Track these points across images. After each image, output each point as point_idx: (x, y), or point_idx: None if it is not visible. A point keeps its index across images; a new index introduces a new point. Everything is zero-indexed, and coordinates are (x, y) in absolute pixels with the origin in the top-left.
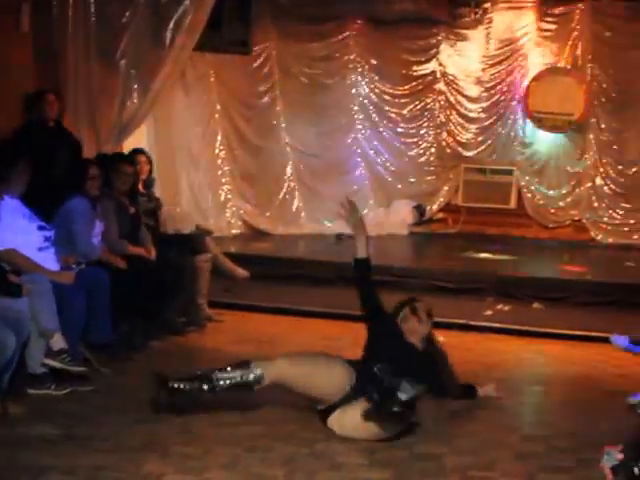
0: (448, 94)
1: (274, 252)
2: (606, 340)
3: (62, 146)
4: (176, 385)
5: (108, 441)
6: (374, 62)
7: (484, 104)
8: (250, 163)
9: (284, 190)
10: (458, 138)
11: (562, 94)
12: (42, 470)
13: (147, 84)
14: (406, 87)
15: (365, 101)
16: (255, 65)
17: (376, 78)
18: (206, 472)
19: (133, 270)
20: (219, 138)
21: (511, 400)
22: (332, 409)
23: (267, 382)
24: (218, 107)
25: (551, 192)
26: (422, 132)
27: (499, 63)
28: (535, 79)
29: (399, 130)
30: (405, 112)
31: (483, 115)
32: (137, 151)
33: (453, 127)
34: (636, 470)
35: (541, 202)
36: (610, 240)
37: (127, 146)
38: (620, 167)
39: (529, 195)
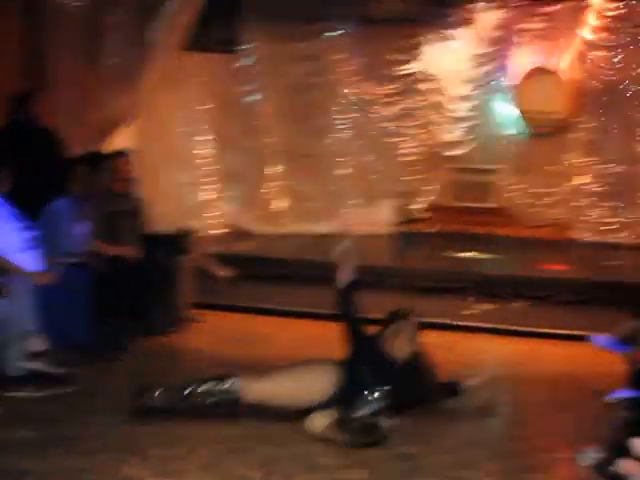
0: (433, 94)
1: (258, 252)
2: (588, 339)
3: (47, 146)
4: (154, 403)
5: (89, 443)
6: (360, 62)
7: (469, 104)
8: (235, 162)
9: (269, 189)
10: (442, 138)
11: (548, 93)
12: (22, 474)
13: (133, 83)
14: (391, 86)
15: (349, 101)
16: (241, 64)
17: (361, 78)
18: (185, 474)
19: (115, 271)
20: (204, 137)
21: (491, 399)
22: (311, 410)
23: (247, 402)
24: (203, 106)
25: (533, 191)
26: (407, 132)
27: (484, 63)
28: (522, 78)
29: (383, 129)
30: (390, 112)
31: (468, 115)
32: (119, 151)
33: (437, 127)
34: (614, 468)
35: (523, 201)
36: (592, 239)
37: (113, 146)
38: (602, 166)
39: (512, 194)
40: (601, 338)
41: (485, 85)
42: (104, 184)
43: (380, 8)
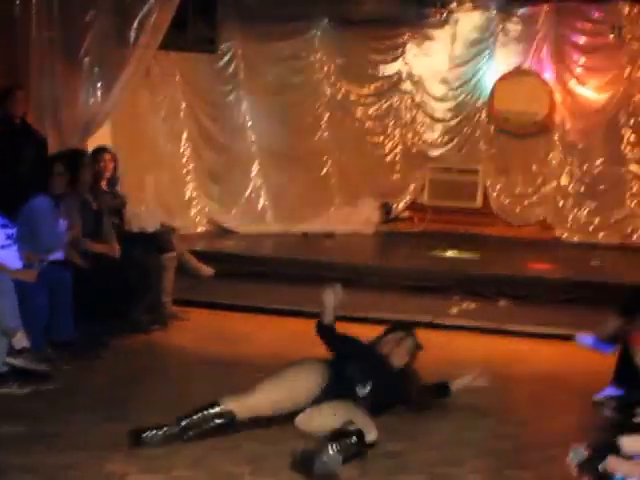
0: (414, 94)
1: (240, 250)
2: (572, 338)
3: (28, 143)
4: (151, 442)
5: (73, 440)
6: (340, 61)
7: (450, 104)
8: (216, 161)
9: (250, 188)
10: (424, 137)
11: (527, 94)
12: (4, 469)
13: (111, 82)
14: (372, 87)
15: (331, 100)
16: (221, 64)
17: (342, 77)
18: (171, 471)
19: (98, 268)
20: (184, 136)
21: (477, 397)
22: (301, 410)
23: (241, 419)
24: (183, 105)
25: (516, 191)
26: (388, 131)
27: (465, 63)
28: (501, 79)
29: (365, 129)
30: (371, 111)
31: (449, 115)
32: (102, 149)
33: (419, 126)
34: (602, 467)
35: (506, 201)
36: (575, 238)
37: (91, 144)
38: (585, 166)
39: (495, 194)
40: (585, 337)
41: (466, 85)
42: (85, 181)
43: (361, 9)
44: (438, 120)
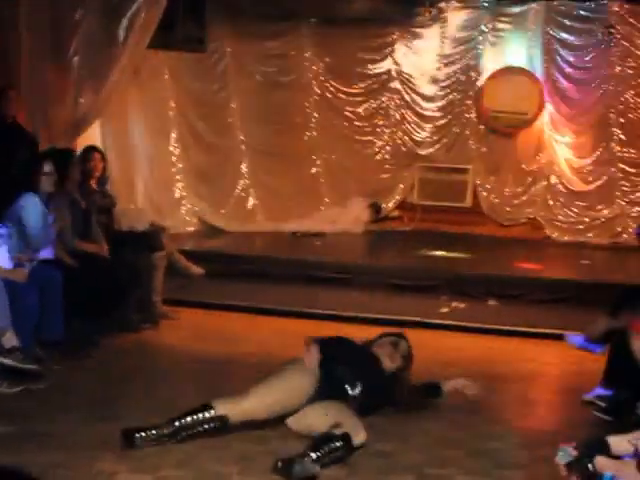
0: (403, 93)
1: (229, 249)
2: (561, 337)
3: (20, 144)
4: (143, 443)
5: (62, 439)
6: (329, 60)
7: (439, 103)
8: (205, 161)
9: (239, 188)
10: (413, 136)
11: (517, 93)
12: None
13: (100, 82)
14: (361, 85)
15: (320, 99)
16: (210, 63)
17: (331, 76)
18: (160, 470)
19: (87, 267)
20: (174, 136)
21: (466, 397)
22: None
23: (233, 423)
24: (172, 105)
25: (506, 190)
26: (377, 130)
27: (454, 62)
28: (490, 78)
29: (354, 128)
30: (360, 110)
31: (438, 114)
32: (91, 148)
33: (408, 125)
34: (590, 466)
35: (496, 200)
36: (565, 238)
37: (81, 143)
38: (575, 165)
39: (484, 193)
40: (575, 337)
41: (455, 84)
42: (74, 180)
43: (350, 7)
44: (427, 119)
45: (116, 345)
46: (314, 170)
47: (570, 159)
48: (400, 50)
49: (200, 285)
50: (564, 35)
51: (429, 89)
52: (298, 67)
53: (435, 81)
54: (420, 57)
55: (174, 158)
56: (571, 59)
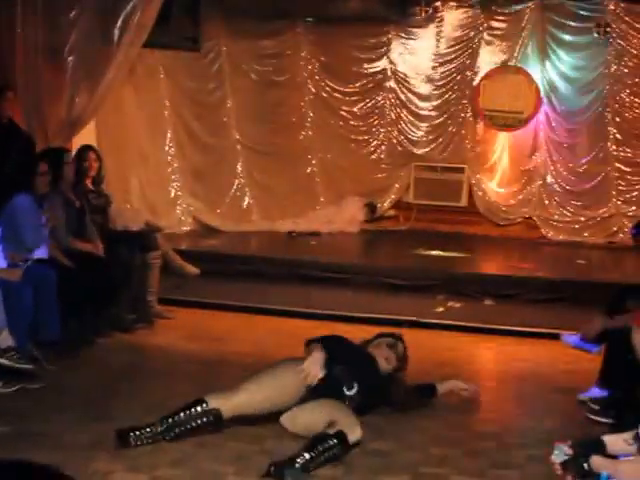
0: (399, 92)
1: (225, 249)
2: (556, 337)
3: (14, 143)
4: (138, 443)
5: (58, 438)
6: (324, 59)
7: (435, 102)
8: (200, 160)
9: (235, 187)
10: (409, 136)
11: (512, 92)
12: None
13: (95, 81)
14: (357, 85)
15: (315, 99)
16: (205, 62)
17: (326, 76)
18: (156, 469)
19: (82, 267)
20: (169, 135)
21: (461, 397)
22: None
23: (226, 417)
24: (168, 104)
25: (502, 190)
26: (373, 130)
27: (450, 61)
28: (486, 77)
29: (350, 128)
30: (356, 110)
31: (434, 113)
32: (86, 147)
33: (404, 125)
34: (586, 465)
35: (492, 200)
36: (561, 237)
37: (76, 143)
38: (570, 165)
39: (480, 193)
40: (570, 336)
41: (451, 84)
42: (68, 180)
43: (345, 6)
44: (423, 118)
45: (111, 345)
46: (309, 169)
47: (566, 158)
48: (396, 49)
49: (195, 285)
50: (560, 34)
51: (425, 88)
52: (293, 66)
53: (431, 80)
54: (416, 56)
55: (169, 157)
56: (567, 58)
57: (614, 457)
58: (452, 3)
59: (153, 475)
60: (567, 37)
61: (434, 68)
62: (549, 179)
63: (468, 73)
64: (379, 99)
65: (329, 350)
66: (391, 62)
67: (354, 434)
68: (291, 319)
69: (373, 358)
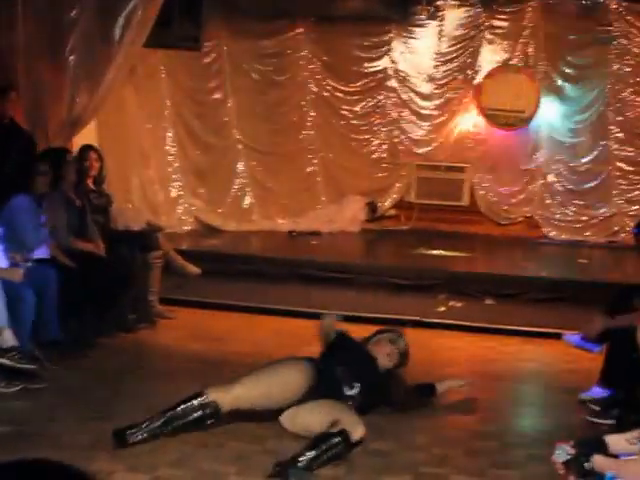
0: (400, 91)
1: (226, 248)
2: (558, 336)
3: (14, 143)
4: (136, 439)
5: (58, 438)
6: (325, 59)
7: (436, 101)
8: (201, 160)
9: (236, 186)
10: (410, 135)
11: (514, 91)
12: None
13: (96, 80)
14: (358, 84)
15: (317, 98)
16: (206, 61)
17: (327, 75)
18: (157, 469)
19: (83, 267)
20: (170, 134)
21: (463, 396)
22: (286, 408)
23: (226, 410)
24: (168, 103)
25: (503, 189)
26: (374, 129)
27: (451, 60)
28: (487, 76)
29: (351, 127)
30: (357, 109)
31: (435, 112)
32: (88, 147)
33: (405, 124)
34: (588, 465)
35: (494, 199)
36: (562, 237)
37: (77, 143)
38: (572, 164)
39: (482, 192)
40: (572, 336)
41: (452, 83)
42: (69, 180)
43: (347, 5)
44: (424, 117)
45: (113, 345)
46: (310, 169)
47: (567, 157)
48: (397, 48)
49: (196, 284)
50: (561, 32)
51: (426, 87)
52: (294, 65)
53: (432, 79)
54: (417, 55)
55: (170, 157)
56: (568, 57)
57: (616, 457)
58: (453, 2)
59: (154, 475)
60: (569, 36)
61: (435, 67)
62: (550, 178)
63: (469, 72)
64: (380, 98)
65: (330, 350)
66: (392, 61)
67: (357, 432)
68: (292, 319)
69: (373, 357)
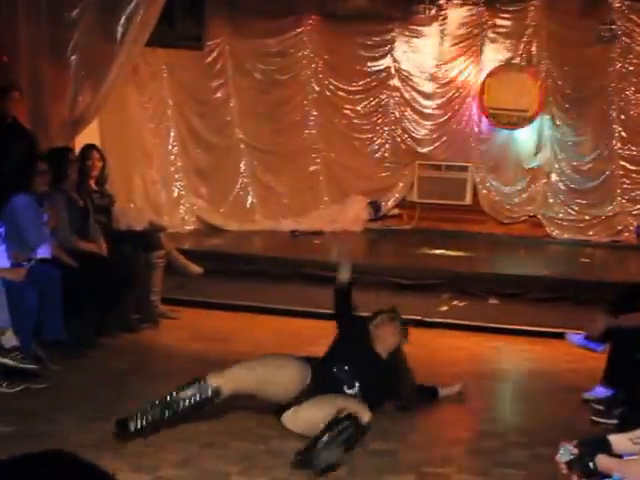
0: (403, 90)
1: (228, 248)
2: (561, 336)
3: (15, 142)
4: (138, 425)
5: (60, 439)
6: (328, 58)
7: (439, 100)
8: (204, 159)
9: (238, 186)
10: (413, 134)
11: (517, 90)
12: None
13: (98, 79)
14: (360, 83)
15: (319, 97)
16: (208, 60)
17: (330, 74)
18: (161, 469)
19: (86, 266)
20: (172, 134)
21: (466, 396)
22: (287, 407)
23: (225, 394)
24: (171, 103)
25: (506, 188)
26: (377, 128)
27: (454, 59)
28: (490, 75)
29: (353, 126)
30: (359, 108)
31: (438, 111)
32: (90, 147)
33: (408, 123)
34: (591, 465)
35: (496, 198)
36: (565, 236)
37: (79, 142)
38: (575, 163)
39: (484, 191)
40: (575, 335)
41: (455, 82)
42: (71, 179)
43: (349, 4)
44: (427, 117)
45: (115, 345)
46: (313, 168)
47: (570, 156)
48: (399, 47)
49: (199, 284)
50: (564, 31)
51: (428, 86)
52: (297, 65)
53: (434, 78)
54: (419, 54)
55: (172, 157)
56: (571, 55)
57: (619, 456)
58: (456, 1)
59: (157, 475)
60: (572, 34)
61: (438, 66)
62: (554, 177)
63: (472, 71)
64: (383, 97)
65: (331, 349)
66: (395, 60)
67: (365, 416)
68: (295, 319)
69: (376, 354)
